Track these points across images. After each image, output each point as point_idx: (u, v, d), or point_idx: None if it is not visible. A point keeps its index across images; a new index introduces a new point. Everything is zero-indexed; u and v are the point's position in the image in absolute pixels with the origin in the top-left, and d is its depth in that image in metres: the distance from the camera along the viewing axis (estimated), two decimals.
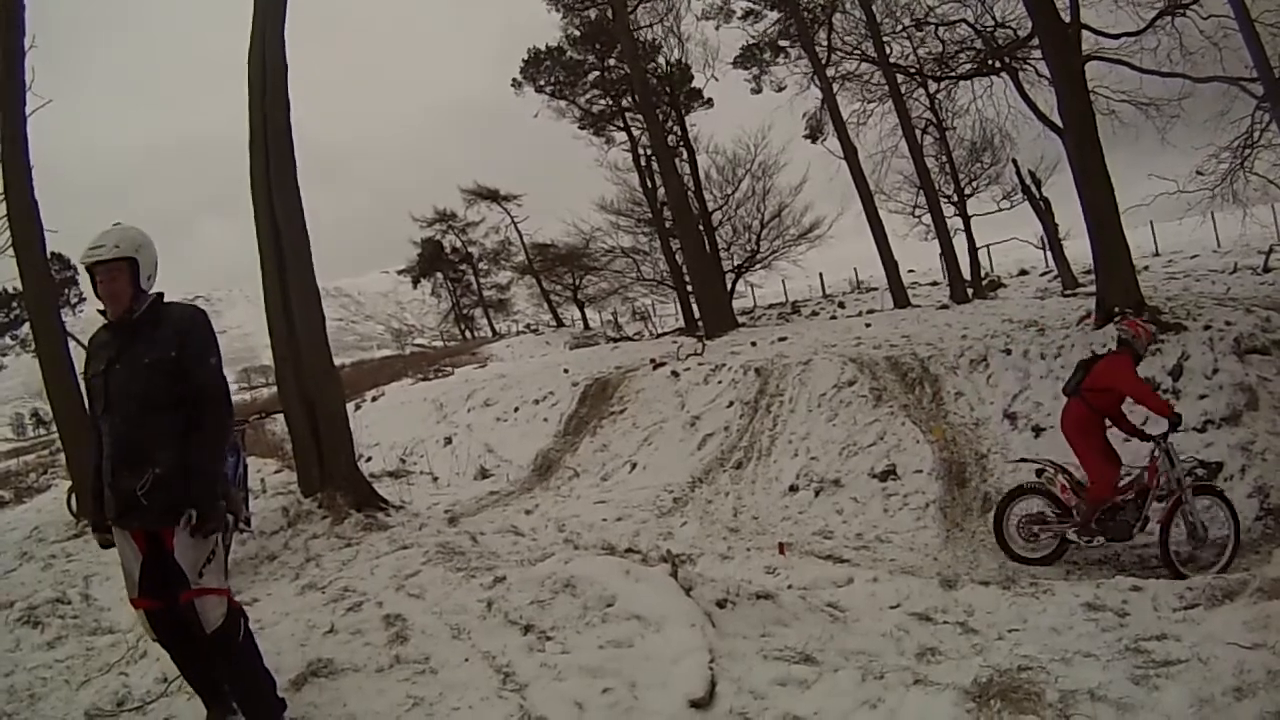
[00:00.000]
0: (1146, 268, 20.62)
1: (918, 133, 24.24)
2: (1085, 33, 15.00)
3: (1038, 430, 10.39)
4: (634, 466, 13.20)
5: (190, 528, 3.47)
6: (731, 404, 13.77)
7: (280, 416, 10.12)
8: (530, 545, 7.11)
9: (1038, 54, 18.10)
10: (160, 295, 3.68)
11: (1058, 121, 14.75)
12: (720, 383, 14.57)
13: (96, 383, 3.57)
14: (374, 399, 21.04)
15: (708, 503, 11.25)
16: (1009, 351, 11.98)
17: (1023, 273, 27.69)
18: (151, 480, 3.40)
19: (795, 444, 11.96)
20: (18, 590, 5.99)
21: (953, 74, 23.18)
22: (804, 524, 10.18)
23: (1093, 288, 13.90)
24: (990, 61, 21.12)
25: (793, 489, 11.02)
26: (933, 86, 24.51)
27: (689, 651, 3.88)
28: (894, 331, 15.97)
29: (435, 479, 14.24)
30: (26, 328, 28.31)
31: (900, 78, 23.65)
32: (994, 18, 20.74)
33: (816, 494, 10.76)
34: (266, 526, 7.10)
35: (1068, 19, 13.66)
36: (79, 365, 6.12)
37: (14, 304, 31.12)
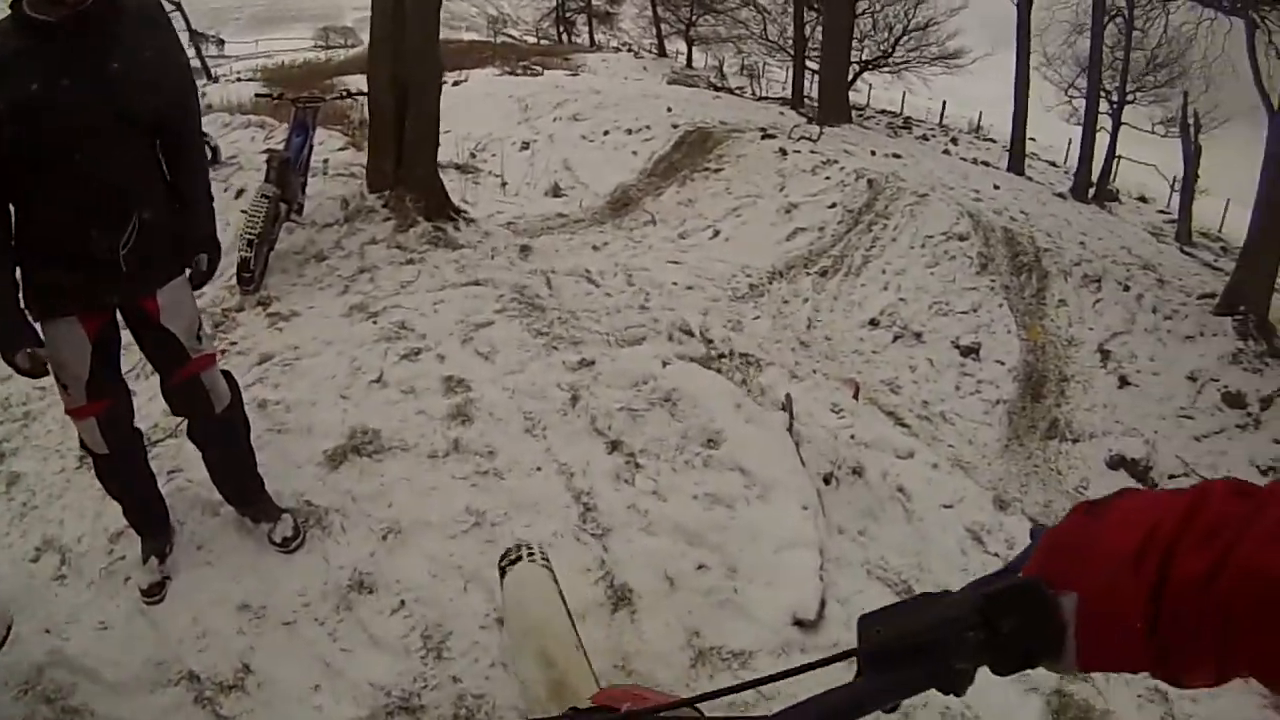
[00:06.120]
0: None
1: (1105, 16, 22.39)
2: None
3: (1124, 381, 9.86)
4: (716, 234, 12.40)
5: (198, 277, 2.70)
6: (834, 206, 12.74)
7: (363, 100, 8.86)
8: (607, 305, 6.31)
9: None
10: None
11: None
12: (829, 179, 13.41)
13: (31, 106, 2.20)
14: (455, 83, 19.45)
15: (784, 302, 10.65)
16: (1127, 288, 11.22)
17: (1142, 199, 25.65)
18: (136, 232, 2.44)
19: (888, 276, 11.24)
20: None
21: None
22: (875, 366, 9.77)
23: (1206, 255, 13.61)
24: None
25: (873, 323, 10.47)
26: None
27: (797, 543, 3.24)
28: (1014, 202, 14.86)
29: (504, 184, 13.42)
30: None
31: None
32: None
33: (895, 339, 10.27)
34: (319, 217, 6.01)
35: None
36: None
37: None
